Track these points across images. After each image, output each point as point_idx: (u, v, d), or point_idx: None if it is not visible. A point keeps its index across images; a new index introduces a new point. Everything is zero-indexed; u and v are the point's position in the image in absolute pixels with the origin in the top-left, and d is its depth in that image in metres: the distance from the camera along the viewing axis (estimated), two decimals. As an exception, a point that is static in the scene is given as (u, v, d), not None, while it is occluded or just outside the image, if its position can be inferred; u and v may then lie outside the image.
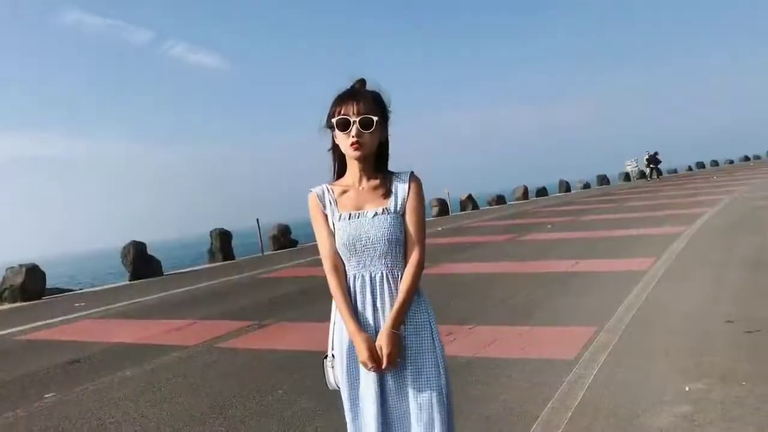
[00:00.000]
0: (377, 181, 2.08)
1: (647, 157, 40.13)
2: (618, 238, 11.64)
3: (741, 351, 4.25)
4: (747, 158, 62.25)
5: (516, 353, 4.81)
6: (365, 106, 2.00)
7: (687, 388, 3.63)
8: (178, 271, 15.80)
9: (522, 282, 8.03)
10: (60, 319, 8.89)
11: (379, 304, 2.02)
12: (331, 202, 2.09)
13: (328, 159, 2.18)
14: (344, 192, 2.10)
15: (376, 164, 2.10)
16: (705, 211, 14.58)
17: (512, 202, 32.50)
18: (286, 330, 6.54)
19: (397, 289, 2.02)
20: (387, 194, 2.07)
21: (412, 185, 2.07)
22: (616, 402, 3.56)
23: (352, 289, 2.04)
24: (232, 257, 17.04)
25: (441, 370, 2.02)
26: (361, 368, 2.01)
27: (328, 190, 2.12)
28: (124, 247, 14.01)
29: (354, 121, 1.99)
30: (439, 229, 19.02)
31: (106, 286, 13.88)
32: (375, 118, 2.00)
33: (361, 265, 2.03)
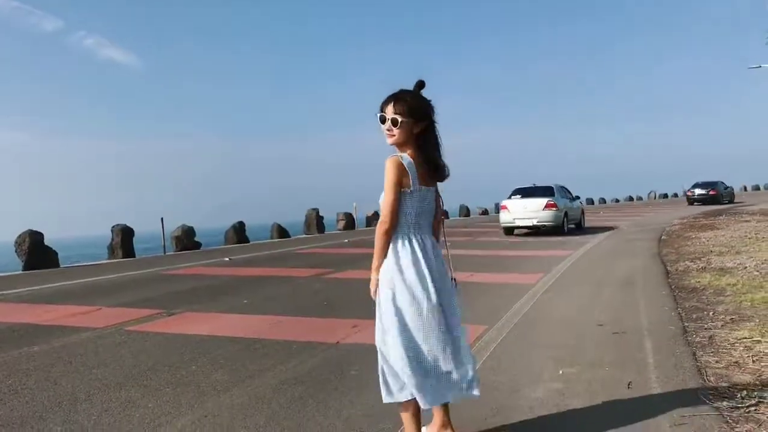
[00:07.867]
0: None
1: None
2: (510, 257, 12.52)
3: (607, 346, 4.92)
4: (631, 198, 67.91)
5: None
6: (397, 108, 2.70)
7: (561, 371, 4.22)
8: (77, 264, 15.30)
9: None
10: (-51, 301, 8.55)
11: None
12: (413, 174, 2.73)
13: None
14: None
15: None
16: (590, 239, 15.86)
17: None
18: (195, 319, 6.68)
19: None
20: None
21: None
22: (500, 380, 4.09)
23: (415, 243, 2.87)
24: (133, 255, 16.69)
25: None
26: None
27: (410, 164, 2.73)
28: (19, 236, 13.42)
29: (388, 119, 2.72)
30: (346, 241, 19.52)
31: (-4, 274, 13.23)
32: (401, 119, 2.68)
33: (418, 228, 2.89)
